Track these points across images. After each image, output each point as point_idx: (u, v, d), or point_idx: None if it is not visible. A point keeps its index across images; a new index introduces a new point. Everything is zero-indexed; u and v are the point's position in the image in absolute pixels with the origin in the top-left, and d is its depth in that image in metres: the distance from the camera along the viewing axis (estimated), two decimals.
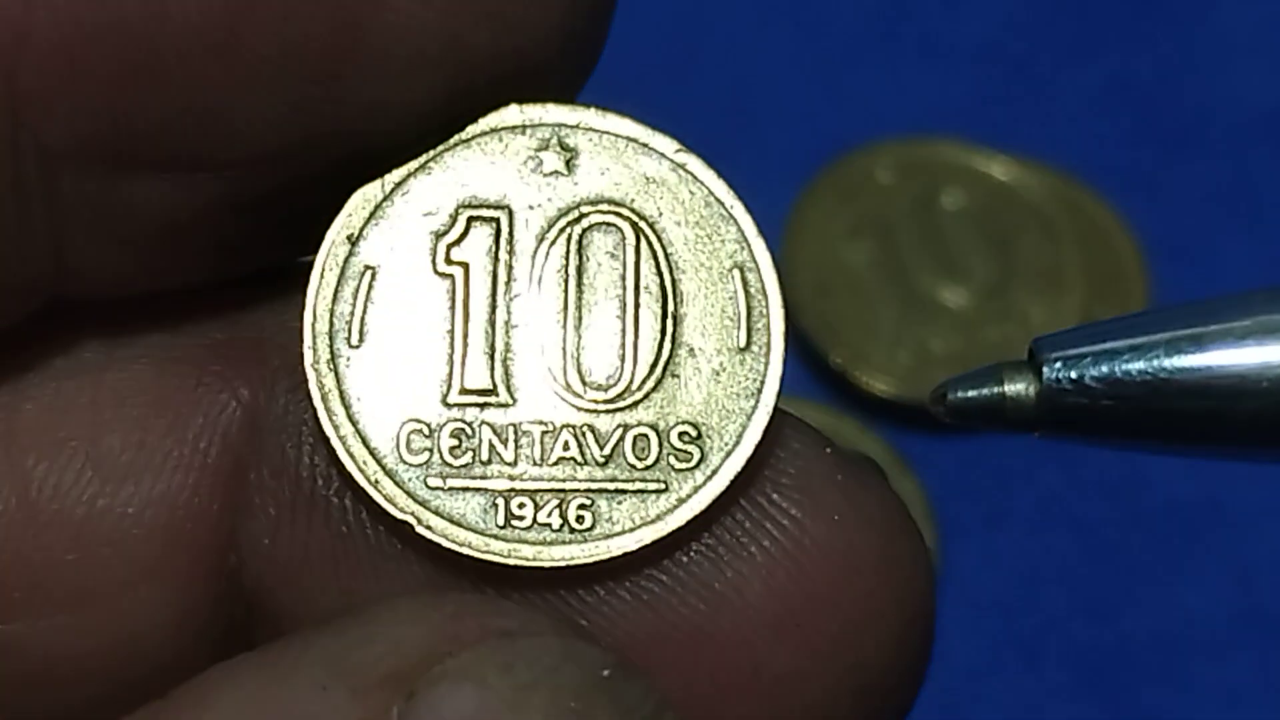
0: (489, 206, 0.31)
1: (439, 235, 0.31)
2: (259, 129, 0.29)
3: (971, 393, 0.30)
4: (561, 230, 0.31)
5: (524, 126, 0.32)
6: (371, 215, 0.31)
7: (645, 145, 0.32)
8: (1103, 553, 0.68)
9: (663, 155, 0.32)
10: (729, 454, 0.31)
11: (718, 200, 0.32)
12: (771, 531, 0.32)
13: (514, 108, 0.32)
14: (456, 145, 0.31)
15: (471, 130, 0.31)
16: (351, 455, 0.30)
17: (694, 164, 0.32)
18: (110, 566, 0.31)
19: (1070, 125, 0.73)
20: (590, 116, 0.32)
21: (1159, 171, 0.73)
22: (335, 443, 0.30)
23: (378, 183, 0.31)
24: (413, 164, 0.31)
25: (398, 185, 0.31)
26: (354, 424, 0.31)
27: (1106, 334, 0.29)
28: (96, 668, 0.31)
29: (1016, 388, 0.29)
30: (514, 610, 0.29)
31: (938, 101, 0.74)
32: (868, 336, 0.70)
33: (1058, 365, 0.29)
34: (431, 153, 0.31)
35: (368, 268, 0.31)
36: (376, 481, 0.30)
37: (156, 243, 0.30)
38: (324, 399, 0.31)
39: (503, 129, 0.31)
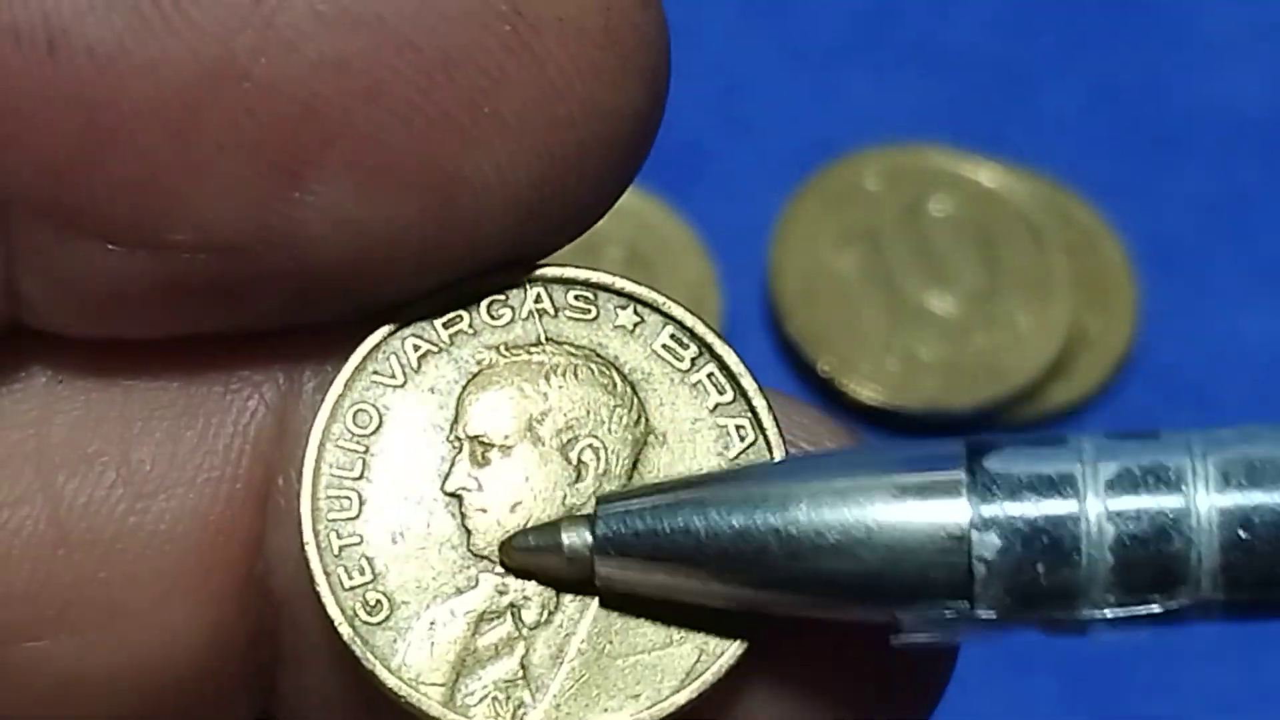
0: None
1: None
2: (209, 217, 0.29)
3: (533, 541, 0.31)
4: None
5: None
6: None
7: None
8: None
9: None
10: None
11: None
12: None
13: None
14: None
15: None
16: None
17: None
18: (142, 584, 0.31)
19: (1058, 131, 0.73)
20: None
21: (1147, 178, 0.73)
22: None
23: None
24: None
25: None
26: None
27: (662, 491, 0.31)
28: (125, 683, 0.31)
29: (572, 539, 0.31)
30: None
31: (925, 108, 0.74)
32: (855, 344, 0.70)
33: (607, 520, 0.30)
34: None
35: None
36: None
37: (107, 303, 0.30)
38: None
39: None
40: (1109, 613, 0.29)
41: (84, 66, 0.28)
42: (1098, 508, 0.29)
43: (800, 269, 0.71)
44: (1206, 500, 0.29)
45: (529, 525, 0.31)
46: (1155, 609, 0.28)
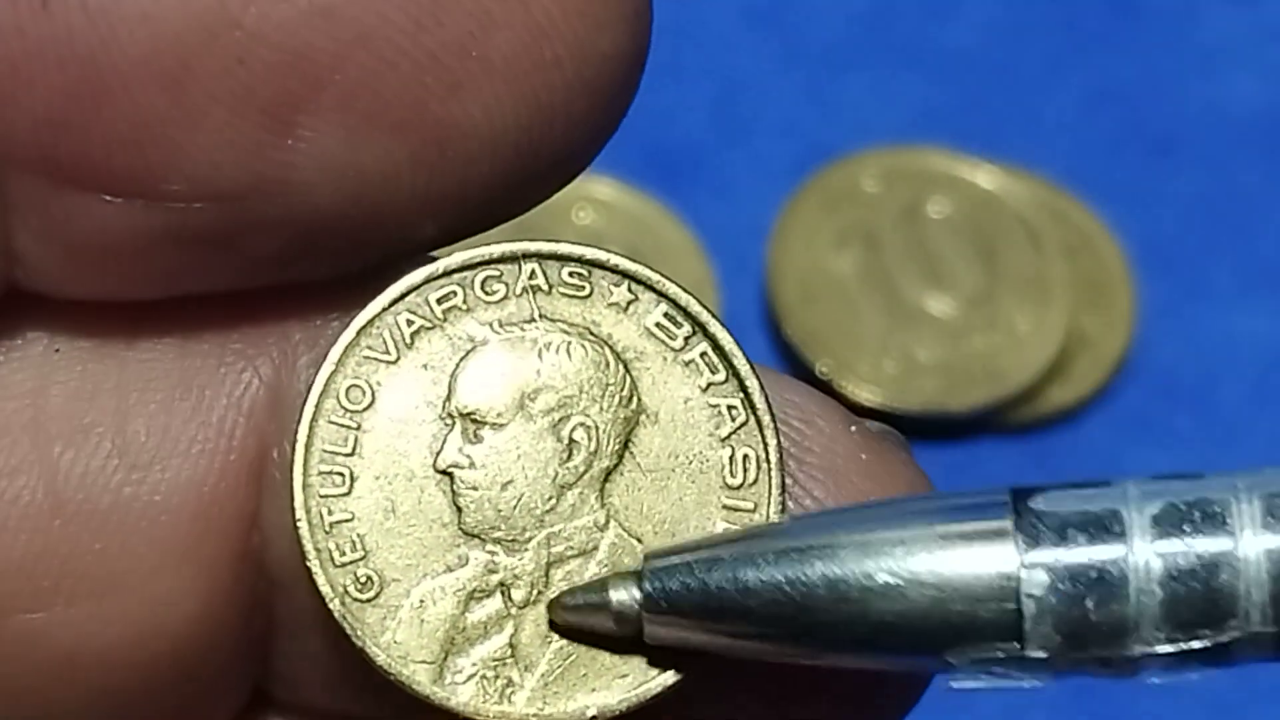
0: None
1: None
2: (204, 166, 0.29)
3: (581, 600, 0.31)
4: None
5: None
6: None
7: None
8: None
9: None
10: None
11: None
12: (795, 513, 0.32)
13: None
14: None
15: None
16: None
17: None
18: (138, 555, 0.31)
19: (1056, 133, 0.73)
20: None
21: (1145, 179, 0.73)
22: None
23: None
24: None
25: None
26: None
27: (711, 547, 0.31)
28: (120, 654, 0.32)
29: (620, 596, 0.31)
30: None
31: (923, 110, 0.74)
32: (854, 345, 0.70)
33: (655, 576, 0.30)
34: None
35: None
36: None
37: (103, 258, 0.30)
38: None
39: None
40: (1159, 649, 0.29)
41: (77, 19, 0.28)
42: (1144, 544, 0.29)
43: (798, 271, 0.71)
44: (1253, 537, 0.29)
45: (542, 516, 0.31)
46: (1206, 644, 0.29)
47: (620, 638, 0.31)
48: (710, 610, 0.30)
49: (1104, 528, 0.29)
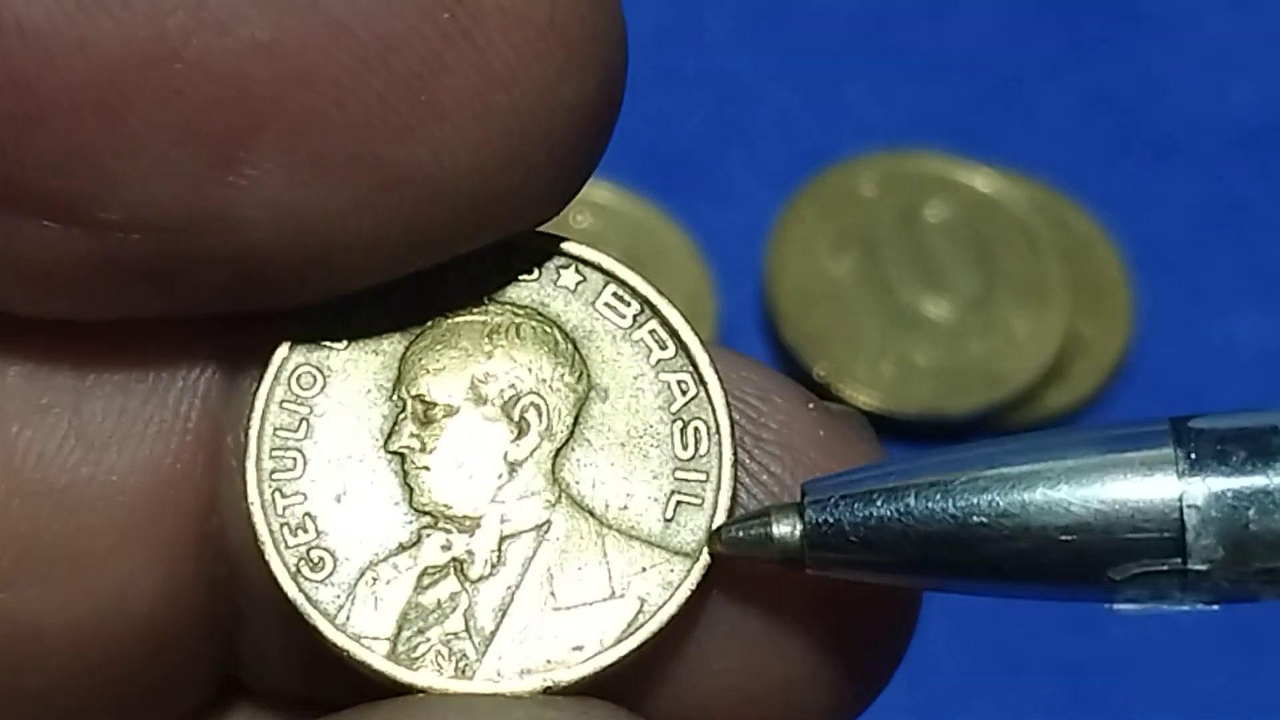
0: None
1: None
2: (142, 196, 0.29)
3: (741, 533, 0.31)
4: None
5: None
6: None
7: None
8: None
9: None
10: None
11: None
12: (752, 489, 0.32)
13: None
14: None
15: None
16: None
17: None
18: (96, 534, 0.31)
19: (1053, 137, 0.74)
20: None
21: (1142, 184, 0.73)
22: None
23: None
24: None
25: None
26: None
27: (867, 479, 0.31)
28: (83, 635, 0.32)
29: (783, 529, 0.31)
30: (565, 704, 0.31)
31: (921, 114, 0.74)
32: (851, 349, 0.70)
33: (817, 508, 0.31)
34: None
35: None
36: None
37: (45, 281, 0.30)
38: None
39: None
40: None
41: (13, 44, 0.28)
42: None
43: (796, 275, 0.71)
44: None
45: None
46: None
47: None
48: (874, 540, 0.30)
49: (1263, 442, 0.29)
